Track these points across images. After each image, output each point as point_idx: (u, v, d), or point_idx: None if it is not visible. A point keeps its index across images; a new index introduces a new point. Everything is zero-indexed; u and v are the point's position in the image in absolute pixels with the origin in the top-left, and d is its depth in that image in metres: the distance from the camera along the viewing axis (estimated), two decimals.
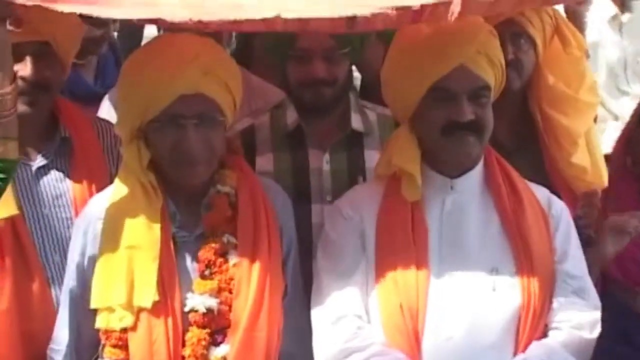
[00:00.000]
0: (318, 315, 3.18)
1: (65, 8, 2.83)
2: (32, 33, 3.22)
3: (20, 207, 3.32)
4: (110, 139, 3.53)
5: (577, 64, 3.84)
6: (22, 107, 3.23)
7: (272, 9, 2.79)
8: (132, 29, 5.21)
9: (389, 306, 3.13)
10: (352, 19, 2.78)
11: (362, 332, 3.16)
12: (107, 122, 3.63)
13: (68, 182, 3.43)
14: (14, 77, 3.09)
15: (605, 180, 3.85)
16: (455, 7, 2.74)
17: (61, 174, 3.44)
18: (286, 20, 2.79)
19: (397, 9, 2.77)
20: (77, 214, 3.30)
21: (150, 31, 5.31)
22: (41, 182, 3.43)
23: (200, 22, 2.80)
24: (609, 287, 3.67)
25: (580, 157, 3.76)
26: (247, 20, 2.82)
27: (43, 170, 3.45)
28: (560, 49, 3.79)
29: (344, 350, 3.13)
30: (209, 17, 2.82)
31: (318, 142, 3.67)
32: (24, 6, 2.89)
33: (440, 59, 3.12)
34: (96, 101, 4.09)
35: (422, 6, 2.76)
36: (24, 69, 3.29)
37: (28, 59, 3.30)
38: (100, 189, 3.24)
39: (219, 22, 2.86)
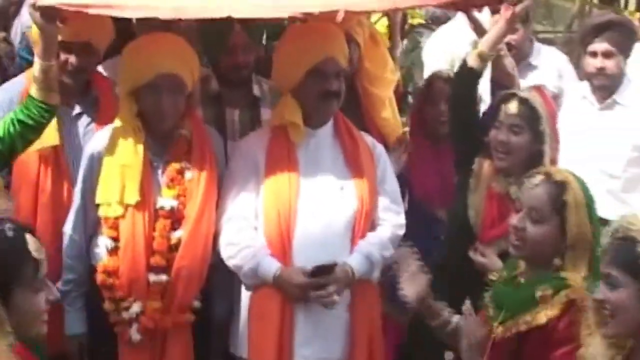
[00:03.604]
0: (219, 216, 3.89)
1: (94, 11, 3.60)
2: (79, 35, 4.03)
3: (62, 138, 4.10)
4: None
5: (383, 54, 4.72)
6: (68, 80, 4.06)
7: (226, 11, 3.51)
8: None
9: (270, 212, 3.86)
10: (277, 19, 3.69)
11: (243, 232, 3.86)
12: None
13: (94, 125, 4.19)
14: (58, 55, 3.87)
15: (399, 127, 4.75)
16: (341, 14, 3.56)
17: (90, 119, 4.22)
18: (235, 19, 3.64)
19: (304, 14, 3.66)
20: None
21: None
22: (77, 123, 4.22)
23: (180, 20, 3.66)
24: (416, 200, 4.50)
25: (386, 113, 4.64)
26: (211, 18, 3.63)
27: (79, 116, 4.22)
28: (372, 45, 4.64)
29: (229, 243, 3.87)
30: (186, 16, 3.62)
31: (231, 103, 4.40)
32: (68, 11, 3.64)
33: (317, 51, 3.89)
34: None
35: (320, 12, 3.61)
36: (72, 58, 4.07)
37: (75, 53, 4.06)
38: None
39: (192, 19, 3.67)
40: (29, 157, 4.04)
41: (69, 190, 4.07)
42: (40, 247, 2.64)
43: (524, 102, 3.90)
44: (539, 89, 4.16)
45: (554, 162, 4.03)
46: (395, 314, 4.34)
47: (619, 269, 2.57)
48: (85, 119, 4.24)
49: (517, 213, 3.26)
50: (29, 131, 3.75)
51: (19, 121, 3.72)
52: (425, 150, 4.66)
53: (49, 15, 3.64)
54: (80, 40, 4.07)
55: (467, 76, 4.04)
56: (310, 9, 3.64)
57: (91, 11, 3.61)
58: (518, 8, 3.94)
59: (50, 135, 3.99)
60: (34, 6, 3.62)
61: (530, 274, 3.24)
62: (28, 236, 2.62)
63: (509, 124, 3.91)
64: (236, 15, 3.60)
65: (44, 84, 3.72)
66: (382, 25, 5.29)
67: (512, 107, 3.91)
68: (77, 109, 4.24)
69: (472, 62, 4.00)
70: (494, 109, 4.00)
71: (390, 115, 4.66)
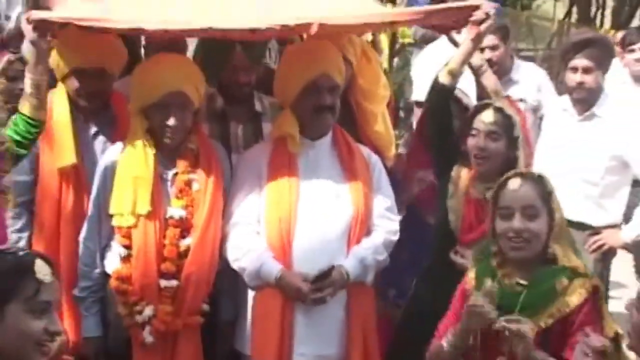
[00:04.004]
0: (225, 221, 4.02)
1: (85, 24, 3.74)
2: (93, 61, 4.13)
3: (82, 156, 4.17)
4: None
5: (376, 71, 4.79)
6: (83, 103, 4.16)
7: (206, 23, 3.67)
8: None
9: (271, 219, 3.99)
10: (254, 30, 3.76)
11: (247, 236, 3.99)
12: None
13: (110, 143, 4.20)
14: (49, 70, 3.91)
15: (392, 140, 4.83)
16: (314, 27, 3.69)
17: (107, 137, 4.27)
18: (215, 30, 3.73)
19: (282, 26, 3.74)
20: None
21: None
22: (95, 141, 4.29)
23: (166, 31, 3.76)
24: (410, 207, 4.60)
25: (379, 127, 4.71)
26: (194, 30, 3.80)
27: (97, 135, 4.30)
28: (365, 63, 4.73)
29: (234, 247, 4.01)
30: (172, 27, 3.74)
31: (235, 118, 4.52)
32: (64, 25, 3.76)
33: (313, 68, 4.02)
34: None
35: (295, 25, 3.74)
36: (88, 83, 4.17)
37: (90, 78, 4.15)
38: None
39: (178, 31, 3.81)
40: (51, 175, 4.16)
41: (88, 203, 4.15)
42: (50, 274, 2.61)
43: (498, 110, 4.04)
44: (508, 98, 4.32)
45: (528, 167, 4.17)
46: (387, 309, 4.48)
47: None
48: (102, 137, 4.32)
49: (503, 220, 3.41)
50: (16, 146, 3.81)
51: (7, 136, 3.78)
52: (423, 159, 4.70)
53: (41, 28, 3.71)
54: (94, 66, 4.17)
55: (439, 91, 4.16)
56: (286, 22, 3.77)
57: (82, 24, 3.73)
58: (482, 27, 4.05)
59: (67, 154, 4.10)
60: (27, 20, 3.69)
61: (524, 272, 3.40)
62: (38, 260, 2.61)
63: (486, 131, 4.04)
64: (217, 26, 3.74)
65: (34, 99, 3.79)
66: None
67: (488, 115, 4.04)
68: (95, 128, 4.33)
69: (443, 78, 4.13)
70: (468, 119, 4.12)
71: (382, 129, 4.76)
